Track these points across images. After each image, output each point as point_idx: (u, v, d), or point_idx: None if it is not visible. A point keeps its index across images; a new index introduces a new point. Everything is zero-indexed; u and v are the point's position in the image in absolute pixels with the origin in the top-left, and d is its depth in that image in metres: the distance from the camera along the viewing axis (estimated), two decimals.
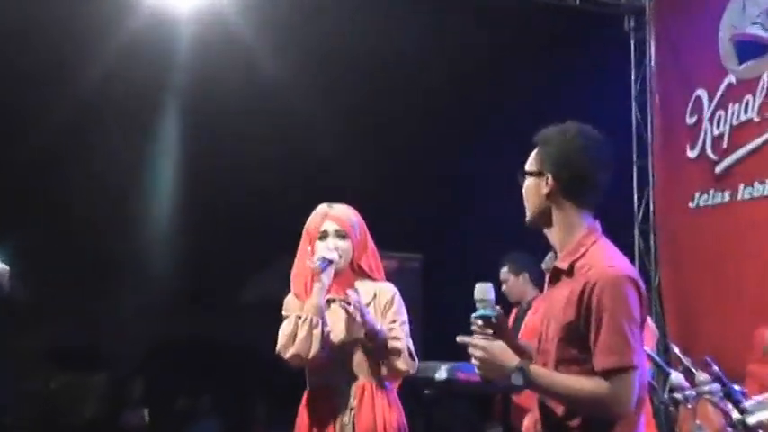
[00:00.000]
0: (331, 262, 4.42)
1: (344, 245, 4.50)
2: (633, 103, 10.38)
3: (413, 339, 4.49)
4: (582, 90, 9.46)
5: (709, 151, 9.30)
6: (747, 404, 4.10)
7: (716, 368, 4.28)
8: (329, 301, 4.49)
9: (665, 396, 4.69)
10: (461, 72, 10.74)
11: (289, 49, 10.24)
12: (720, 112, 9.22)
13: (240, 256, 12.84)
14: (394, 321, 4.44)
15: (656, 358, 4.83)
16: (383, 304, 4.48)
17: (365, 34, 10.01)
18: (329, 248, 4.45)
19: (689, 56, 9.63)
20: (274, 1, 9.85)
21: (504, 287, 7.15)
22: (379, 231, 4.71)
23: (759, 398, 4.19)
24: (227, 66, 10.46)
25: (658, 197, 10.04)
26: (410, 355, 4.39)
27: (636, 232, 10.13)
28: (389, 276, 4.69)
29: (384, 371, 4.39)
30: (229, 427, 11.58)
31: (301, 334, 4.32)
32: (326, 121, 10.98)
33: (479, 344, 3.09)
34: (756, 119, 8.85)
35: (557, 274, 3.19)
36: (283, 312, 4.46)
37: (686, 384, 4.51)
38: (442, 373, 6.94)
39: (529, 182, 3.24)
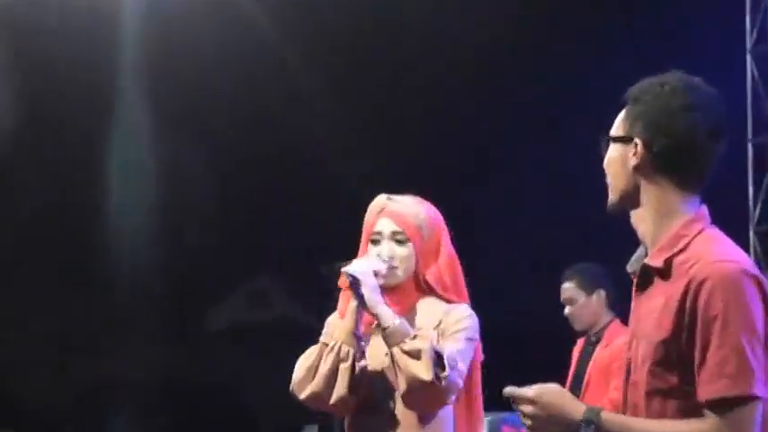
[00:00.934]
0: (376, 275, 3.31)
1: (403, 251, 3.40)
2: (749, 59, 8.32)
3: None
4: (682, 43, 8.49)
5: None
6: None
7: None
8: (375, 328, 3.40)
9: None
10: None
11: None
12: None
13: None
14: (453, 333, 3.38)
15: None
16: (450, 328, 3.37)
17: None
18: (380, 256, 3.39)
19: None
20: None
21: (568, 310, 5.58)
22: None
23: None
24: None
25: None
26: (439, 362, 3.20)
27: (751, 234, 8.21)
28: None
29: (402, 385, 3.24)
30: None
31: (324, 368, 3.32)
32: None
33: (529, 394, 2.39)
34: None
35: (647, 276, 2.47)
36: (321, 337, 3.48)
37: None
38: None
39: (613, 150, 2.53)
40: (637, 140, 2.46)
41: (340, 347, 3.31)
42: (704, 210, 2.50)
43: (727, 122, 2.49)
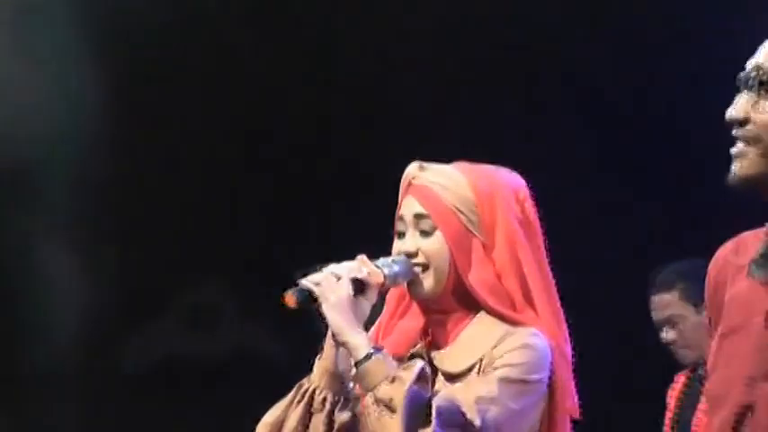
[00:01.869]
0: (365, 286, 2.26)
1: (431, 246, 2.29)
2: None
3: None
4: None
5: None
6: None
7: None
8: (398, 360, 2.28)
9: None
10: None
11: None
12: None
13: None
14: (490, 370, 2.23)
15: None
16: (490, 365, 2.22)
17: None
18: (395, 254, 2.31)
19: None
20: None
21: (671, 335, 3.89)
22: None
23: None
24: None
25: None
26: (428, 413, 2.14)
27: None
28: None
29: None
30: None
31: (291, 422, 2.28)
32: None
33: None
34: None
35: None
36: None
37: None
38: None
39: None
40: None
41: (313, 392, 2.29)
42: None
43: None
